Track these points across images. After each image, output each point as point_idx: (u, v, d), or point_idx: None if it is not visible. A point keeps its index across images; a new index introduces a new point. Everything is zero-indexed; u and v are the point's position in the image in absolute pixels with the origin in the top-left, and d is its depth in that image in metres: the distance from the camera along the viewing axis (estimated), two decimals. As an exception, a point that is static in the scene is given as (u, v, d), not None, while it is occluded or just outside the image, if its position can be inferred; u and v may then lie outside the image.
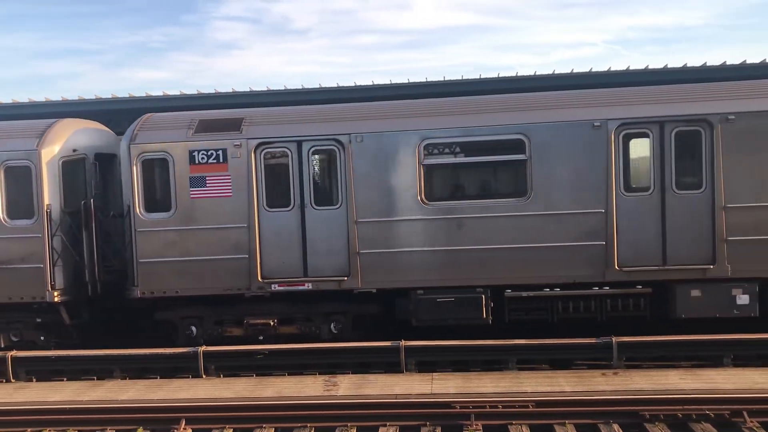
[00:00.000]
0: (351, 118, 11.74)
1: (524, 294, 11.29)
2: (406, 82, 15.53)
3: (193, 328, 11.94)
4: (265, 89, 15.94)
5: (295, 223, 11.55)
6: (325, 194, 11.74)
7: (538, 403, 8.71)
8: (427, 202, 11.34)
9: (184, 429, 8.77)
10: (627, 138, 11.14)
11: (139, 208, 11.67)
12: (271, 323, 11.74)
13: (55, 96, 14.75)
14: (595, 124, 11.01)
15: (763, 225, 10.79)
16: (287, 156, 11.62)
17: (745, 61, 13.45)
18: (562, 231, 11.06)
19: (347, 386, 9.98)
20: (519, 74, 15.53)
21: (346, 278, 11.45)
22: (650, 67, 14.65)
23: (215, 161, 11.57)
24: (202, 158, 11.57)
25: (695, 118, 10.97)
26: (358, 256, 11.40)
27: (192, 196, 11.57)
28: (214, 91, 15.89)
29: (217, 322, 11.93)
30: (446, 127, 11.40)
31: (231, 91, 15.94)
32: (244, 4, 66.33)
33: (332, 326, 11.79)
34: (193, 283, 11.61)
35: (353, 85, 15.88)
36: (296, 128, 11.69)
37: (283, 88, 15.80)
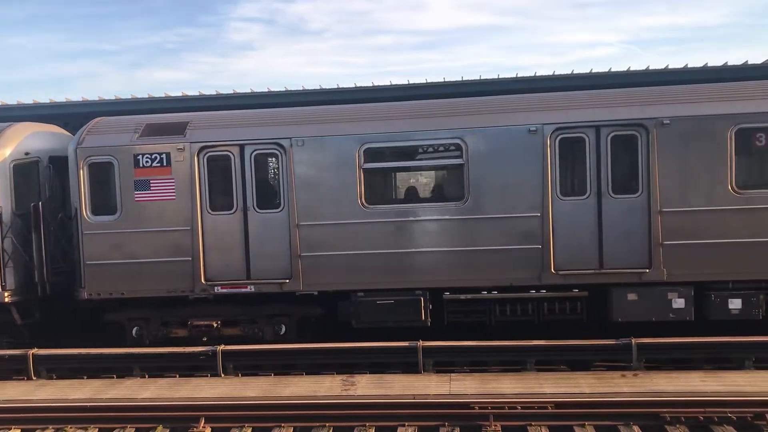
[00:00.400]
0: (293, 121, 12.44)
1: (462, 297, 11.92)
2: (421, 82, 15.48)
3: (138, 329, 12.58)
4: (212, 93, 15.97)
5: (237, 225, 12.17)
6: (267, 197, 12.40)
7: (558, 404, 9.22)
8: (367, 205, 11.98)
9: (204, 427, 9.05)
10: (563, 142, 11.69)
11: (85, 211, 12.33)
12: (215, 325, 12.38)
13: (76, 96, 14.88)
14: (531, 128, 11.57)
15: (698, 229, 11.42)
16: (230, 159, 12.23)
17: None
18: (498, 234, 11.72)
19: (365, 386, 10.47)
20: (537, 74, 15.40)
21: (287, 281, 12.12)
22: (670, 66, 14.48)
23: (159, 165, 12.15)
24: (147, 162, 12.16)
25: (631, 123, 11.55)
26: (300, 258, 12.06)
27: (137, 199, 12.21)
28: (232, 92, 15.84)
29: (163, 324, 12.68)
30: (386, 132, 11.99)
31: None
32: (260, 5, 66.82)
33: (276, 328, 12.45)
34: (139, 285, 12.31)
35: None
36: (239, 132, 12.33)
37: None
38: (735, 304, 11.42)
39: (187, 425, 9.25)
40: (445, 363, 11.37)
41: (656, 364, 11.08)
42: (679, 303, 11.44)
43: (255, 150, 12.12)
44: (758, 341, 10.90)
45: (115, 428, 9.33)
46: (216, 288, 12.14)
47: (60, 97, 16.44)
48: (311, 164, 11.98)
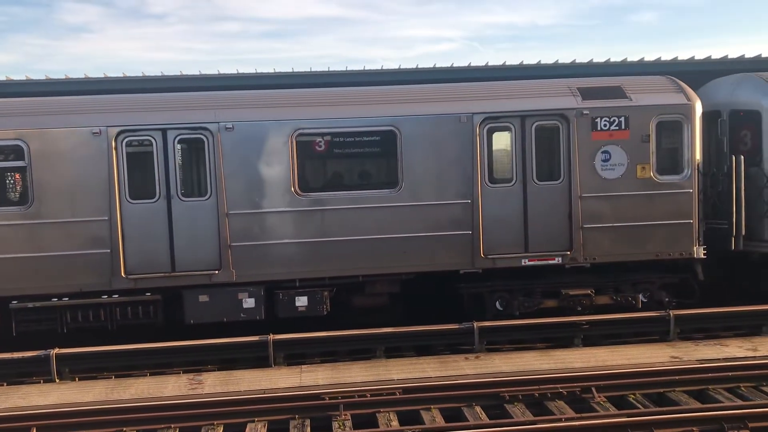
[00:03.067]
0: None
1: (30, 305, 11.47)
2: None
3: None
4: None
5: None
6: None
7: (405, 390, 9.30)
8: None
9: (35, 438, 8.15)
10: (129, 145, 11.60)
11: None
12: None
13: None
14: (94, 131, 11.38)
15: (265, 230, 11.70)
16: None
17: (591, 59, 14.41)
18: (65, 239, 11.37)
19: (213, 383, 10.05)
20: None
21: None
22: (507, 62, 15.21)
23: None
24: None
25: (196, 126, 11.61)
26: None
27: None
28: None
29: None
30: None
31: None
32: (95, -15, 62.76)
33: None
34: None
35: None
36: None
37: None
38: (302, 301, 11.87)
39: (15, 437, 8.50)
40: (296, 355, 11.23)
41: (497, 346, 11.56)
42: (249, 303, 11.70)
43: None
44: (585, 320, 11.59)
45: (-71, 447, 8.45)
46: None
47: None
48: None
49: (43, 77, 14.51)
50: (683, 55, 15.59)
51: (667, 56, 15.58)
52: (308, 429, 8.51)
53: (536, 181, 12.08)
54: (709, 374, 9.47)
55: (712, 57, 15.37)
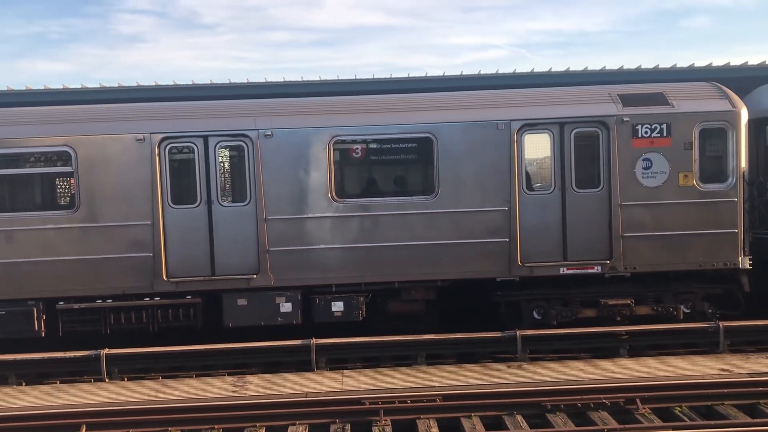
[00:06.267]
0: None
1: (76, 306, 11.58)
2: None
3: None
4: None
5: None
6: None
7: (446, 397, 9.15)
8: None
9: (85, 435, 8.34)
10: (173, 151, 11.67)
11: None
12: None
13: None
14: (138, 138, 11.44)
15: (302, 235, 11.62)
16: None
17: (640, 66, 14.09)
18: (110, 243, 11.49)
19: (256, 386, 10.11)
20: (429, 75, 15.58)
21: None
22: (553, 69, 15.08)
23: None
24: None
25: (236, 134, 11.67)
26: None
27: None
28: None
29: None
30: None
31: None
32: (151, -3, 64.43)
33: None
34: None
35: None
36: None
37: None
38: (338, 306, 11.68)
39: (66, 433, 8.64)
40: (338, 360, 11.17)
41: (540, 355, 11.32)
42: (286, 307, 11.61)
43: None
44: (630, 330, 11.28)
45: (-14, 441, 8.70)
46: None
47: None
48: None
49: (98, 86, 15.01)
50: (736, 61, 15.14)
51: (718, 62, 15.21)
52: (348, 433, 8.51)
53: (575, 188, 11.82)
54: (761, 388, 9.04)
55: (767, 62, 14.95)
